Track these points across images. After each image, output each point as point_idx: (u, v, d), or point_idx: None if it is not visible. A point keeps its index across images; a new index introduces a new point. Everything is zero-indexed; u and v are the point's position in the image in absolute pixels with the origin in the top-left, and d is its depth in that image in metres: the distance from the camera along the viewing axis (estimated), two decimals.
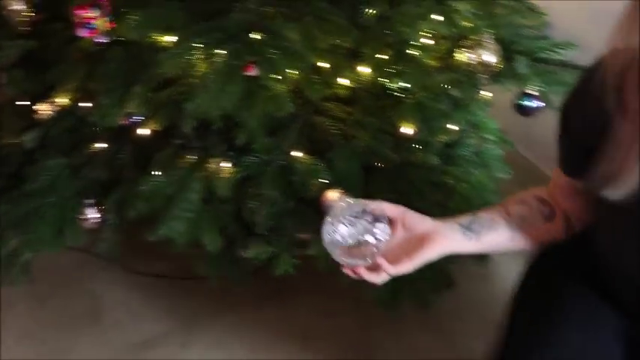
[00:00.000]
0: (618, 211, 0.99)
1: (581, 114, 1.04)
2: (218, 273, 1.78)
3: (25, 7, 1.69)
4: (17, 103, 1.94)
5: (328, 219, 1.08)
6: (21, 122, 1.94)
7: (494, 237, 1.14)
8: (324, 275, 1.84)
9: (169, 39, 1.59)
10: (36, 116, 1.86)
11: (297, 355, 1.87)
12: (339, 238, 1.05)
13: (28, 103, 1.93)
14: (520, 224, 1.15)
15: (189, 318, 1.96)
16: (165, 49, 1.58)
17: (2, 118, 1.98)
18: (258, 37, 1.43)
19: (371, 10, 1.64)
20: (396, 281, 1.29)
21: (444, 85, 1.75)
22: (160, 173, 1.57)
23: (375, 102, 1.75)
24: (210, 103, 1.38)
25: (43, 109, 1.85)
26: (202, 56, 1.46)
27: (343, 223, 1.06)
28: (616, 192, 0.96)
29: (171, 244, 1.70)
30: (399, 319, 1.88)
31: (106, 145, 1.75)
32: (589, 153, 1.00)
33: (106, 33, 1.65)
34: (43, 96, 1.88)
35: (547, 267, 1.20)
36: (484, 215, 1.16)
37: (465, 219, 1.15)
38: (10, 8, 1.67)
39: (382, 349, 1.91)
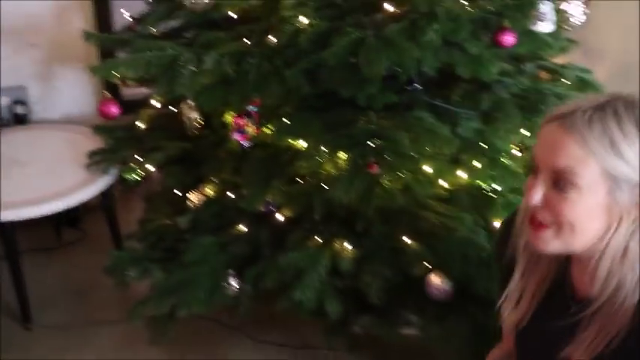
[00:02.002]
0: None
1: (503, 251, 1.30)
2: (333, 342, 2.07)
3: (197, 114, 2.11)
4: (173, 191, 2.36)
5: None
6: (174, 208, 2.35)
7: None
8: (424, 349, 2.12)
9: (301, 144, 1.98)
10: (188, 203, 2.26)
11: None
12: None
13: (180, 193, 2.36)
14: None
15: None
16: (296, 151, 1.96)
17: (159, 204, 2.40)
18: (378, 142, 1.78)
19: (470, 124, 1.98)
20: None
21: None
22: (294, 252, 1.91)
23: (471, 201, 2.07)
24: (342, 195, 1.72)
25: (194, 197, 2.26)
26: (329, 157, 1.82)
27: None
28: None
29: (295, 315, 2.02)
30: None
31: (245, 228, 2.12)
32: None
33: (253, 138, 2.05)
34: (193, 187, 2.30)
35: None
36: None
37: None
38: (188, 115, 2.09)
39: None
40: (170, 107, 2.48)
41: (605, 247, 1.06)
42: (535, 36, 1.90)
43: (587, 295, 1.13)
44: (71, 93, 2.96)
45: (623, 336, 1.06)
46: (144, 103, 2.55)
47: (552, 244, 1.09)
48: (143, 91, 2.55)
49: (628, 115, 1.01)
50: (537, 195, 1.06)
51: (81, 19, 2.83)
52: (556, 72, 2.19)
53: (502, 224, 1.41)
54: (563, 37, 2.20)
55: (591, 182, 1.02)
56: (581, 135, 1.01)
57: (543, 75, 2.21)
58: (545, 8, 1.84)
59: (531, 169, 1.10)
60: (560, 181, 1.03)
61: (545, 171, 1.06)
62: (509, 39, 1.83)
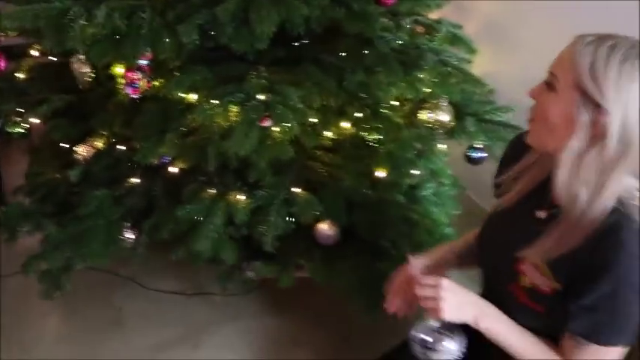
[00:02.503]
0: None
1: (511, 148, 1.53)
2: (227, 287, 2.17)
3: (89, 68, 2.09)
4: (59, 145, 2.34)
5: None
6: (61, 161, 2.34)
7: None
8: (313, 293, 2.26)
9: (193, 97, 2.02)
10: (76, 156, 2.25)
11: (288, 356, 2.26)
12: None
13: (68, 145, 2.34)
14: (460, 257, 1.61)
15: (200, 325, 2.33)
16: (188, 104, 2.01)
17: (45, 157, 2.38)
18: (269, 96, 1.86)
19: (354, 77, 2.09)
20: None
21: (409, 138, 2.19)
22: (189, 204, 1.97)
23: (355, 151, 2.20)
24: (235, 148, 1.79)
25: (82, 150, 2.25)
26: (221, 111, 1.88)
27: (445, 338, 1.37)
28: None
29: (189, 263, 2.10)
30: (375, 329, 2.27)
31: (139, 180, 2.16)
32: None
33: (145, 91, 2.07)
34: (81, 140, 2.29)
35: None
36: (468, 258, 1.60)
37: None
38: (79, 70, 2.07)
39: (360, 353, 2.29)
40: (51, 57, 2.44)
41: (562, 156, 1.22)
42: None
43: (554, 203, 1.29)
44: None
45: (575, 249, 1.22)
46: (22, 52, 2.48)
47: (534, 137, 1.30)
48: (19, 40, 2.47)
49: (620, 53, 1.16)
50: (536, 89, 1.27)
51: None
52: (431, 27, 2.33)
53: (508, 143, 1.59)
54: None
55: (565, 88, 1.19)
56: (575, 51, 1.19)
57: (420, 30, 2.35)
58: None
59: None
60: (548, 82, 1.23)
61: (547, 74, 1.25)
62: None
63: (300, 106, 1.87)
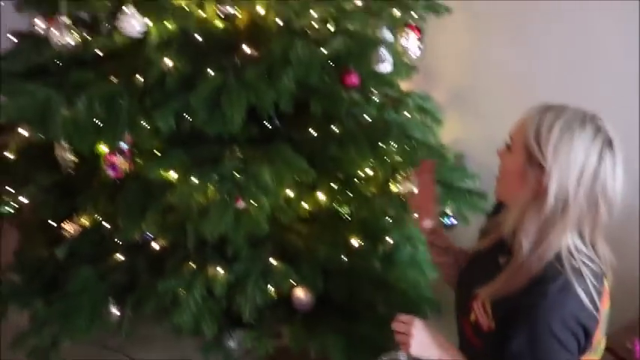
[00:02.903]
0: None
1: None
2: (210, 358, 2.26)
3: (71, 154, 2.21)
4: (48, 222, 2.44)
5: None
6: (49, 238, 2.44)
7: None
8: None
9: (172, 176, 2.13)
10: (64, 233, 2.36)
11: None
12: None
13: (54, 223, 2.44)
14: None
15: None
16: (169, 183, 2.11)
17: (34, 234, 2.48)
18: (242, 177, 1.96)
19: (324, 153, 2.21)
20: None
21: (381, 208, 2.30)
22: (170, 279, 2.07)
23: (329, 221, 2.30)
24: (211, 228, 1.89)
25: (69, 227, 2.36)
26: (200, 191, 1.99)
27: None
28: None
29: (173, 335, 2.19)
30: None
31: (122, 257, 2.26)
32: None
33: (126, 172, 2.18)
34: (68, 217, 2.40)
35: None
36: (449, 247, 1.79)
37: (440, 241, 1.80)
38: (62, 156, 2.18)
39: None
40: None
41: (511, 206, 1.42)
42: (377, 75, 2.15)
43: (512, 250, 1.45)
44: None
45: (513, 294, 1.37)
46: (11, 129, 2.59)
47: (496, 190, 1.50)
48: None
49: (563, 120, 1.33)
50: (500, 150, 1.46)
51: None
52: (399, 100, 2.45)
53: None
54: (403, 67, 2.48)
55: (517, 149, 1.38)
56: (527, 117, 1.37)
57: (389, 102, 2.47)
58: (384, 51, 2.09)
59: None
60: (507, 144, 1.43)
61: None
62: (353, 80, 2.08)
63: (271, 185, 1.97)
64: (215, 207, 1.89)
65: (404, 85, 2.71)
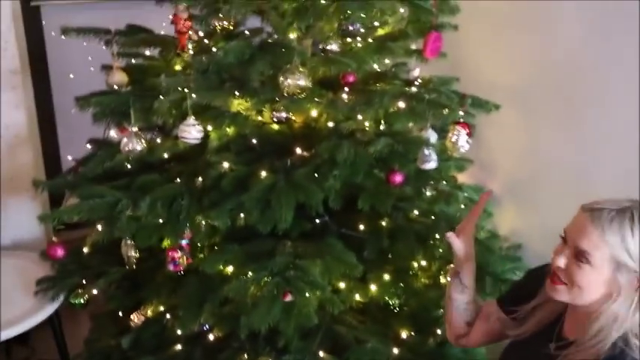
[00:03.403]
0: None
1: (534, 279, 1.70)
2: None
3: (135, 251, 2.37)
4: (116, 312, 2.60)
5: None
6: (117, 328, 2.59)
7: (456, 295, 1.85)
8: None
9: (229, 269, 2.25)
10: (130, 323, 2.50)
11: None
12: None
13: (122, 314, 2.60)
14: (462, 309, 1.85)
15: None
16: (226, 277, 2.23)
17: (104, 324, 2.64)
18: (292, 273, 2.06)
19: (374, 247, 2.30)
20: None
21: (433, 300, 2.35)
22: None
23: (380, 313, 2.36)
24: (260, 319, 1.99)
25: (135, 318, 2.50)
26: (253, 285, 2.09)
27: None
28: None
29: None
30: None
31: (181, 347, 2.37)
32: (520, 302, 1.69)
33: (185, 266, 2.32)
34: (135, 308, 2.55)
35: None
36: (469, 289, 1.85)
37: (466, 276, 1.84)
38: (127, 253, 2.35)
39: None
40: None
41: (602, 312, 1.44)
42: (422, 173, 2.24)
43: (566, 337, 1.54)
44: (21, 220, 3.20)
45: None
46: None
47: (563, 296, 1.49)
48: None
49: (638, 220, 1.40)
50: (562, 261, 1.47)
51: (30, 156, 3.11)
52: (449, 194, 2.53)
53: (526, 273, 1.90)
54: (455, 162, 2.57)
55: (601, 262, 1.41)
56: (603, 229, 1.40)
57: (440, 196, 2.55)
58: (428, 151, 2.19)
59: (563, 239, 1.50)
60: (580, 257, 1.43)
61: (571, 246, 1.46)
62: (398, 179, 2.17)
63: (320, 280, 2.06)
64: (264, 300, 1.98)
65: (461, 178, 2.80)
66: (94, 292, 2.57)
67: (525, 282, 1.82)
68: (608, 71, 2.27)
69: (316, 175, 2.14)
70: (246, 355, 2.23)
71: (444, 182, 2.58)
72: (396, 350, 2.29)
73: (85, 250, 2.73)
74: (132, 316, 2.52)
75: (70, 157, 2.67)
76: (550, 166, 2.68)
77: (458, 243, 1.81)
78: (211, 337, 2.31)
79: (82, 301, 2.58)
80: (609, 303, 1.43)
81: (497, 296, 2.34)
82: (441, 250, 2.30)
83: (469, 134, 2.41)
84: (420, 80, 2.53)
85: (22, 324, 2.53)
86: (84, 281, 2.60)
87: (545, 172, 2.73)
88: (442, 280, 2.34)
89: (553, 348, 1.53)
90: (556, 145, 2.61)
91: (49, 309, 2.63)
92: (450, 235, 1.81)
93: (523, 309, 1.68)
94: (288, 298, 2.00)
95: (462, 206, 2.57)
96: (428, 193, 2.51)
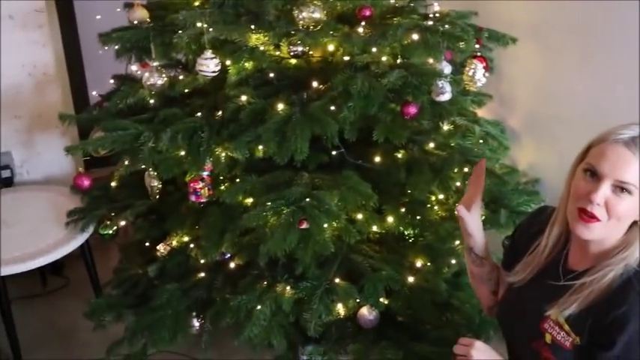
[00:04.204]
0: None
1: (525, 232, 1.74)
2: None
3: (158, 182, 2.46)
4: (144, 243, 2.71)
5: None
6: (145, 257, 2.70)
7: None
8: None
9: (249, 200, 2.33)
10: (157, 253, 2.61)
11: None
12: None
13: (149, 244, 2.71)
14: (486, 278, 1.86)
15: None
16: (246, 207, 2.31)
17: (132, 254, 2.75)
18: (308, 202, 2.12)
19: (388, 179, 2.35)
20: None
21: (448, 231, 2.40)
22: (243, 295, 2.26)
23: (396, 243, 2.43)
24: (277, 246, 2.06)
25: (161, 248, 2.61)
26: (271, 214, 2.16)
27: None
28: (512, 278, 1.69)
29: (250, 347, 2.37)
30: None
31: (203, 275, 2.47)
32: (514, 258, 1.72)
33: (207, 197, 2.40)
34: (161, 239, 2.65)
35: None
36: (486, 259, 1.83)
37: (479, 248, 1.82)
38: (150, 184, 2.44)
39: None
40: None
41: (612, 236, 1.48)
42: (436, 105, 2.27)
43: (575, 270, 1.54)
44: (51, 156, 3.31)
45: (592, 305, 1.46)
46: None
47: (595, 233, 1.47)
48: None
49: None
50: (601, 198, 1.43)
51: (59, 93, 3.19)
52: (467, 128, 2.55)
53: (530, 214, 1.87)
54: (471, 96, 2.59)
55: (637, 188, 1.41)
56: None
57: (457, 130, 2.57)
58: (442, 83, 2.21)
59: (591, 174, 1.46)
60: (622, 189, 1.42)
61: (609, 179, 1.42)
62: (412, 110, 2.20)
63: (335, 209, 2.12)
64: (280, 227, 2.05)
65: (480, 113, 2.81)
66: (122, 223, 2.67)
67: (530, 219, 1.81)
68: (628, 6, 2.25)
69: (332, 107, 2.18)
70: (265, 282, 2.31)
71: (462, 116, 2.59)
72: (411, 279, 2.36)
73: (113, 184, 2.84)
74: (158, 247, 2.62)
75: (94, 93, 2.75)
76: (569, 101, 2.68)
77: (469, 216, 1.76)
78: (232, 265, 2.40)
79: (110, 232, 2.69)
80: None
81: (511, 229, 2.40)
82: (458, 184, 2.34)
83: (486, 68, 2.42)
84: (437, 14, 2.53)
85: (54, 252, 2.64)
86: (112, 214, 2.70)
87: (564, 107, 2.73)
88: None
89: (561, 281, 1.55)
90: (575, 80, 2.61)
91: (80, 239, 2.74)
92: (460, 209, 1.76)
93: (520, 263, 1.70)
94: (304, 225, 2.07)
95: (480, 141, 2.60)
96: (445, 127, 2.53)
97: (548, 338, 1.54)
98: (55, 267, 3.26)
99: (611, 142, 1.44)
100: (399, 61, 2.37)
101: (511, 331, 1.74)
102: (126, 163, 2.52)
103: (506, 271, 1.78)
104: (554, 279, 1.58)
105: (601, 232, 1.47)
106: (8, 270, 2.55)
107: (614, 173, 1.42)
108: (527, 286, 1.67)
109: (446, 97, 2.25)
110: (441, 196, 2.50)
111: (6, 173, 3.17)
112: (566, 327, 1.50)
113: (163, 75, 2.39)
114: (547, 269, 1.62)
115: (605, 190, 1.43)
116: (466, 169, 2.32)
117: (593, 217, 1.44)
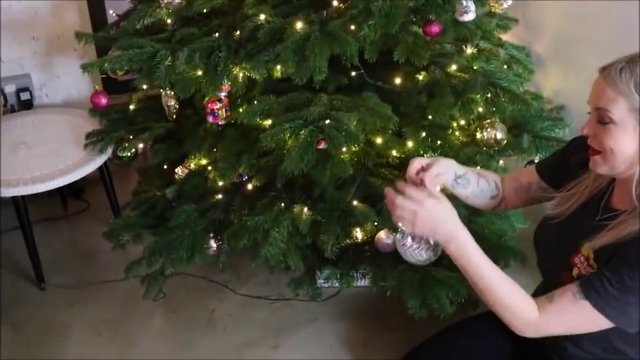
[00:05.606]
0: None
1: (576, 150, 1.67)
2: (299, 293, 2.43)
3: (175, 102, 2.43)
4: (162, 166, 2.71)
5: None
6: (163, 180, 2.70)
7: (465, 192, 1.77)
8: (381, 300, 2.45)
9: (267, 122, 2.30)
10: (175, 176, 2.60)
11: (358, 356, 2.47)
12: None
13: (167, 167, 2.70)
14: (478, 193, 1.79)
15: (280, 328, 2.59)
16: (264, 129, 2.28)
17: (151, 177, 2.75)
18: (327, 122, 2.09)
19: (410, 101, 2.30)
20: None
21: (468, 156, 2.36)
22: (259, 215, 2.25)
23: None
24: (293, 165, 2.03)
25: (179, 171, 2.60)
26: (289, 135, 2.13)
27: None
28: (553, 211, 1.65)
29: (270, 270, 2.38)
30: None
31: (221, 196, 2.47)
32: (562, 173, 1.69)
33: (224, 118, 2.38)
34: (179, 161, 2.64)
35: None
36: (469, 174, 1.75)
37: (460, 170, 1.73)
38: (167, 103, 2.42)
39: None
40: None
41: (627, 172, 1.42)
42: (459, 26, 2.20)
43: (617, 209, 1.50)
44: (70, 79, 3.29)
45: (621, 240, 1.42)
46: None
47: (601, 167, 1.45)
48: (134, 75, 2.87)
49: None
50: (587, 128, 1.44)
51: (76, 14, 3.15)
52: (491, 51, 2.49)
53: (569, 142, 1.77)
54: (496, 19, 2.52)
55: (622, 117, 1.36)
56: (613, 81, 1.36)
57: (481, 53, 2.51)
58: (467, 1, 2.14)
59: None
60: (602, 118, 1.39)
61: (593, 110, 1.43)
62: (435, 29, 2.14)
63: (354, 130, 2.08)
64: (298, 147, 2.02)
65: (505, 37, 2.74)
66: (140, 145, 2.67)
67: (569, 148, 1.74)
68: None
69: (352, 26, 2.13)
70: (282, 204, 2.30)
71: (486, 40, 2.52)
72: None
73: (132, 107, 2.83)
74: (176, 170, 2.62)
75: (112, 12, 2.70)
76: (598, 24, 2.60)
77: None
78: (249, 187, 2.39)
79: (128, 154, 2.69)
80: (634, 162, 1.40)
81: (534, 154, 2.36)
82: (480, 109, 2.29)
83: None
84: None
85: (74, 173, 2.64)
86: (130, 136, 2.70)
87: (590, 32, 2.65)
88: (478, 135, 2.34)
89: (598, 219, 1.52)
90: (601, 4, 2.52)
91: (98, 161, 2.74)
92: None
93: (568, 187, 1.65)
94: (322, 145, 2.03)
95: (504, 65, 2.54)
96: (468, 51, 2.47)
97: (575, 272, 1.51)
98: (76, 191, 3.28)
99: (599, 74, 1.42)
100: None
101: (543, 259, 1.73)
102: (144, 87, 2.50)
103: (541, 178, 1.77)
104: (593, 215, 1.55)
105: (607, 168, 1.45)
106: (28, 189, 2.56)
107: (592, 103, 1.43)
108: (567, 219, 1.64)
109: (470, 16, 2.18)
110: (462, 122, 2.46)
111: (25, 96, 3.16)
112: (592, 261, 1.48)
113: None
114: (588, 204, 1.59)
115: (591, 122, 1.44)
116: (489, 95, 2.26)
117: (593, 151, 1.46)
